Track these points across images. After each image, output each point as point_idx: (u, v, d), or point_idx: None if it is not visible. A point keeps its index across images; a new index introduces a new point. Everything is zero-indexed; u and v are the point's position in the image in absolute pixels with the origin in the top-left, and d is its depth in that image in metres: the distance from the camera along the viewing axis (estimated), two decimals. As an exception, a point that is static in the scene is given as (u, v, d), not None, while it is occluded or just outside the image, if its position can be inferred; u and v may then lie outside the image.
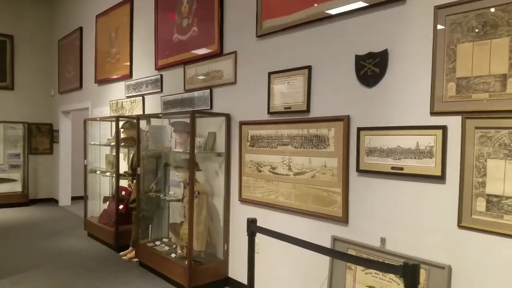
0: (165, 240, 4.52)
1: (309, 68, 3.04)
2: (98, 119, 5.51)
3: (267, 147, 3.38)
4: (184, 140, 4.07)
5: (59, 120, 8.22)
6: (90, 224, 5.60)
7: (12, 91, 8.17)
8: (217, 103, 4.08)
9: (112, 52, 6.05)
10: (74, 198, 8.37)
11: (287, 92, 3.20)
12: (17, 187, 8.10)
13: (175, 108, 4.68)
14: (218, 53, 4.00)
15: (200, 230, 3.72)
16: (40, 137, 8.49)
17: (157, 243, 4.43)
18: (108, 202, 5.62)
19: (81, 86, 7.18)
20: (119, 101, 5.86)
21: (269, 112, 3.38)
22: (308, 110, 3.04)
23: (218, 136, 4.00)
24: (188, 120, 4.07)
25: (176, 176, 4.04)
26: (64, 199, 8.23)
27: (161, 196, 4.52)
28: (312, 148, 2.98)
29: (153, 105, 5.12)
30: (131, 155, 5.06)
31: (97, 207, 6.12)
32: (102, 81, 6.38)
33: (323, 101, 2.96)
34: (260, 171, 3.45)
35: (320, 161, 2.92)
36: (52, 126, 8.59)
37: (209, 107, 4.14)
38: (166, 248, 4.22)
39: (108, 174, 5.58)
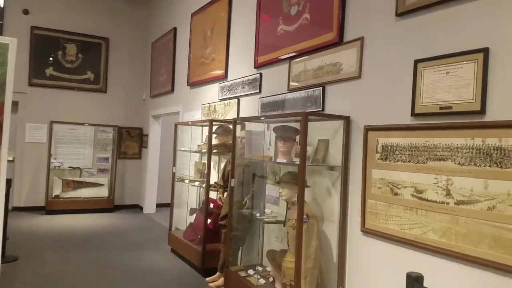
0: (259, 268, 3.88)
1: (485, 51, 2.18)
2: (190, 123, 5.14)
3: (409, 161, 2.56)
4: (289, 148, 3.41)
5: (149, 124, 8.17)
6: (175, 239, 5.20)
7: (105, 94, 8.34)
8: (331, 104, 3.37)
9: (207, 52, 5.69)
10: (159, 206, 8.23)
11: (446, 86, 2.36)
12: (103, 192, 8.17)
13: (275, 111, 4.07)
14: (337, 42, 3.30)
15: (309, 266, 3.00)
16: (129, 142, 8.54)
17: (251, 272, 3.80)
18: (195, 215, 5.18)
19: (172, 89, 6.99)
20: (211, 104, 5.45)
21: (413, 114, 2.56)
22: (482, 111, 2.17)
23: (332, 144, 3.27)
24: (293, 126, 3.43)
25: (279, 193, 3.38)
26: (149, 207, 8.12)
27: (256, 214, 3.91)
28: (489, 166, 2.10)
29: (249, 108, 4.58)
30: (224, 164, 4.55)
31: (182, 218, 5.74)
32: (194, 83, 6.06)
33: (509, 98, 2.08)
34: (396, 194, 2.64)
35: (504, 186, 2.03)
36: (142, 131, 8.60)
37: (319, 109, 3.44)
38: (262, 281, 3.56)
39: (197, 183, 5.15)
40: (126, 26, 8.51)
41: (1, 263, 4.56)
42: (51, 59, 7.84)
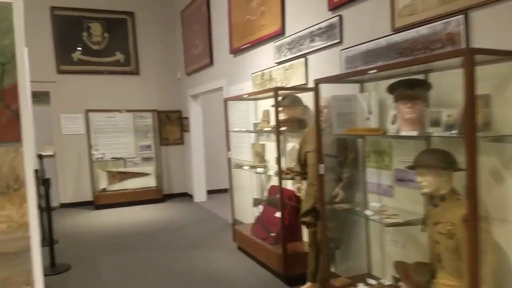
0: (371, 282, 2.65)
1: None
2: (246, 95, 3.86)
3: None
4: (418, 113, 2.10)
5: (188, 105, 6.97)
6: (242, 236, 4.05)
7: (138, 76, 7.16)
8: (483, 39, 2.00)
9: (253, 6, 4.32)
10: (209, 192, 7.14)
11: None
12: (151, 182, 7.14)
13: (370, 63, 2.73)
14: None
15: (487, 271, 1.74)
16: (170, 126, 7.41)
17: (362, 286, 2.59)
18: (262, 208, 4.00)
19: (211, 61, 5.70)
20: (265, 71, 4.14)
21: None
22: None
23: (497, 102, 1.93)
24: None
25: (418, 183, 2.06)
26: (199, 194, 7.03)
27: (358, 210, 2.67)
28: None
29: (324, 67, 3.25)
30: (299, 145, 3.27)
31: (243, 210, 4.61)
32: (239, 49, 4.73)
33: None
34: None
35: None
36: (181, 113, 7.43)
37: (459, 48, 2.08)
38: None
39: (260, 170, 3.93)
40: (151, -5, 7.19)
41: (53, 274, 3.67)
42: (77, 42, 6.69)
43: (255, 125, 4.07)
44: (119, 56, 6.98)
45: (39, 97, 6.45)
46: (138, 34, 7.09)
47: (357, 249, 2.98)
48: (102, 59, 6.88)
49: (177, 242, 4.60)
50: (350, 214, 2.85)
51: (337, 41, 3.05)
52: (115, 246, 4.57)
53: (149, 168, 7.21)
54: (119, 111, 6.93)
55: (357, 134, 2.68)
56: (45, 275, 3.54)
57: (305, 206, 3.08)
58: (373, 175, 2.82)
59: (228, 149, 4.29)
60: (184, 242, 4.59)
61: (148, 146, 7.28)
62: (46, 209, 3.99)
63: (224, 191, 6.43)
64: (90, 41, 6.79)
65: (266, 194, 4.16)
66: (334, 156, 2.86)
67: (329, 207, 2.77)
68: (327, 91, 2.76)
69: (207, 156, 7.06)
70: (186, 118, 7.15)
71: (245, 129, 4.23)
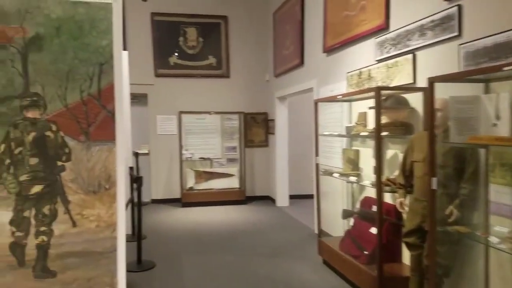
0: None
1: None
2: (340, 96, 3.53)
3: None
4: None
5: (275, 107, 6.82)
6: (329, 250, 3.72)
7: (228, 79, 7.24)
8: None
9: (352, 1, 3.98)
10: (292, 197, 6.90)
11: None
12: (234, 183, 7.14)
13: (498, 59, 2.23)
14: None
15: None
16: (255, 128, 7.35)
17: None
18: (353, 221, 3.63)
19: (302, 62, 5.47)
20: (363, 70, 3.76)
21: None
22: None
23: None
24: None
25: None
26: (282, 199, 6.83)
27: (478, 235, 2.19)
28: None
29: (436, 63, 2.79)
30: (403, 153, 2.86)
31: (329, 220, 4.28)
32: (334, 47, 4.41)
33: None
34: None
35: None
36: (267, 116, 7.33)
37: None
38: None
39: (352, 179, 3.57)
40: (244, -1, 7.22)
41: (138, 271, 3.74)
42: (174, 46, 6.98)
43: (349, 128, 3.71)
44: (211, 60, 7.12)
45: (139, 99, 6.87)
46: (231, 38, 7.17)
47: (472, 281, 2.47)
48: (196, 63, 7.09)
49: (259, 248, 4.43)
50: (467, 238, 2.36)
51: (455, 34, 2.58)
52: (199, 246, 4.57)
53: (233, 169, 7.23)
54: (208, 113, 7.07)
55: (482, 144, 2.20)
56: (130, 271, 3.64)
57: (409, 225, 2.66)
58: (498, 194, 2.29)
59: (317, 154, 4.00)
60: (266, 249, 4.40)
61: (234, 148, 7.31)
62: (137, 206, 4.11)
63: (307, 197, 6.15)
64: (185, 46, 7.04)
65: (358, 205, 3.77)
66: (449, 168, 2.40)
67: (440, 228, 2.33)
68: (440, 92, 2.32)
69: (291, 159, 6.84)
70: (272, 120, 7.02)
71: (336, 133, 3.90)
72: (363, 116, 3.61)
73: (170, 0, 6.95)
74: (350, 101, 3.93)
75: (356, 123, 3.68)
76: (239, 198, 6.95)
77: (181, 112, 6.98)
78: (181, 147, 6.98)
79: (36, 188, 2.35)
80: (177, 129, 7.05)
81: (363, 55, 3.78)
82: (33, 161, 2.33)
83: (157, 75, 7.00)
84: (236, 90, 7.25)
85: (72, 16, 2.38)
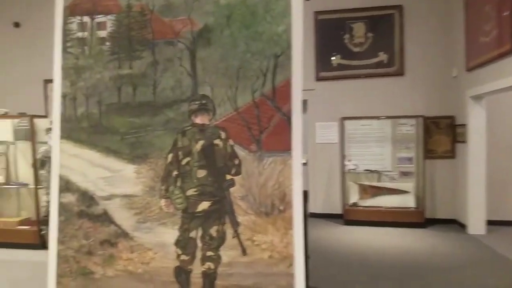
0: None
1: None
2: None
3: None
4: None
5: (466, 109, 5.48)
6: None
7: (402, 78, 6.22)
8: None
9: None
10: (490, 223, 5.40)
11: None
12: (409, 201, 6.03)
13: None
14: None
15: None
16: (438, 135, 6.08)
17: None
18: None
19: (514, 46, 4.12)
20: None
21: None
22: None
23: None
24: None
25: None
26: (476, 225, 5.39)
27: None
28: None
29: None
30: None
31: None
32: None
33: None
34: None
35: None
36: (453, 120, 5.98)
37: None
38: None
39: None
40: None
41: None
42: (338, 46, 6.40)
43: None
44: (382, 56, 6.24)
45: (299, 105, 6.51)
46: (406, 29, 6.16)
47: None
48: (363, 61, 6.34)
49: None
50: None
51: None
52: (371, 276, 3.83)
53: (408, 184, 6.12)
54: (377, 118, 6.20)
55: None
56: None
57: None
58: None
59: None
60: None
61: (409, 159, 6.21)
62: (303, 222, 3.61)
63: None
64: (351, 43, 6.37)
65: None
66: None
67: None
68: None
69: (489, 175, 5.36)
70: (462, 125, 5.66)
71: None
72: None
73: (336, -5, 6.43)
74: None
75: None
76: (415, 220, 5.82)
77: (344, 118, 6.31)
78: (343, 157, 6.31)
79: (204, 205, 2.03)
80: (338, 137, 6.44)
81: None
82: (201, 173, 2.02)
83: (318, 79, 6.53)
84: (412, 90, 6.17)
85: (244, 0, 1.99)
